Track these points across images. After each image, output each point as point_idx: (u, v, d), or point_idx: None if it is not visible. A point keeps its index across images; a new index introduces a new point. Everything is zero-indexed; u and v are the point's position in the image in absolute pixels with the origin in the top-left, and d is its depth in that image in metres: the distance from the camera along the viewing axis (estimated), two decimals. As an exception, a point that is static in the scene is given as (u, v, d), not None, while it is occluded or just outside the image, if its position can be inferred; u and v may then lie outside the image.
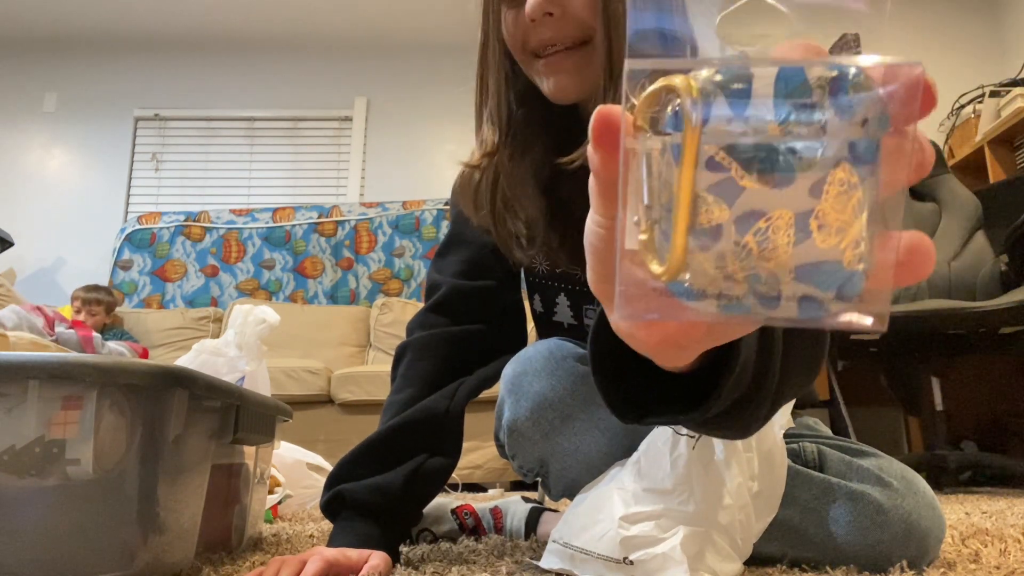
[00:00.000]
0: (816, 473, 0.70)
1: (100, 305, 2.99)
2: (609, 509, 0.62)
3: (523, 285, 0.90)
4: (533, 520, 0.96)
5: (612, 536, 0.61)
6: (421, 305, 2.96)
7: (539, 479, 0.80)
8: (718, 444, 0.63)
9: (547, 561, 0.66)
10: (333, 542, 0.70)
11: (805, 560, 0.69)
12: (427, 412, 0.76)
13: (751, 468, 0.64)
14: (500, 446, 0.80)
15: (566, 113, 0.74)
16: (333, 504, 0.74)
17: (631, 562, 0.60)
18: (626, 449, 0.72)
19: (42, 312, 2.58)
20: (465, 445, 0.87)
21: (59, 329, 2.55)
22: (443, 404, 0.77)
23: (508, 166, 0.74)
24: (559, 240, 0.77)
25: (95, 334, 2.65)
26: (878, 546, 0.66)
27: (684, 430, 0.63)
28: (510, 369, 0.75)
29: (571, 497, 0.76)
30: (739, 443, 0.62)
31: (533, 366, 0.73)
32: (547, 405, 0.71)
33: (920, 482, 0.70)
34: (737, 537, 0.62)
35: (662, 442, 0.64)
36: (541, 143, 0.74)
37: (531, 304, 0.90)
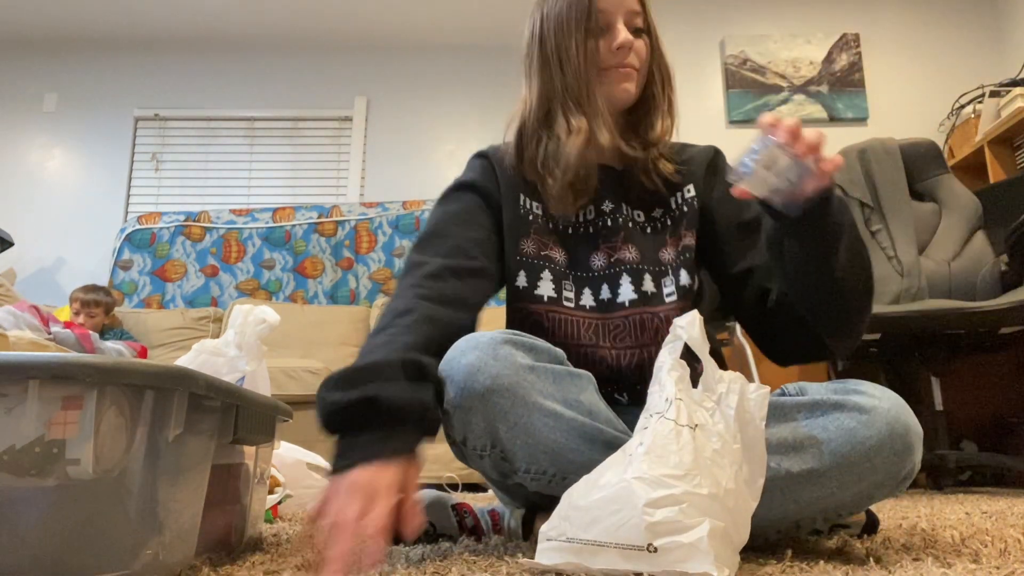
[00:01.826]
0: (804, 397, 0.79)
1: (99, 307, 2.99)
2: (628, 498, 0.63)
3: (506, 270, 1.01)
4: (529, 518, 0.96)
5: (636, 523, 0.61)
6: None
7: (503, 475, 0.82)
8: (714, 436, 0.66)
9: (549, 558, 0.66)
10: (362, 450, 0.69)
11: (800, 472, 0.75)
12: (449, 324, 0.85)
13: (739, 456, 0.67)
14: (453, 443, 0.83)
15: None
16: (362, 406, 0.71)
17: (655, 549, 0.60)
18: (575, 429, 0.78)
19: (37, 312, 2.58)
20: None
21: (55, 328, 2.55)
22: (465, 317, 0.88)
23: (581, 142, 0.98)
24: (572, 197, 0.99)
25: (93, 334, 2.64)
26: (866, 442, 0.73)
27: (684, 419, 0.66)
28: (441, 364, 0.81)
29: (543, 484, 0.80)
30: (727, 435, 0.67)
31: (458, 348, 0.80)
32: (475, 370, 0.77)
33: (892, 392, 0.77)
34: (739, 521, 0.65)
35: (666, 434, 0.66)
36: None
37: (514, 282, 0.98)
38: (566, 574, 0.64)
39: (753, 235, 0.99)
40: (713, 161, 1.06)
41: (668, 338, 0.73)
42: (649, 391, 0.73)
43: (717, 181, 1.04)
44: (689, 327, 0.71)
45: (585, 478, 0.69)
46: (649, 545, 0.61)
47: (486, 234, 0.98)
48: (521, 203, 1.00)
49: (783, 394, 0.82)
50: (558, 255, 1.00)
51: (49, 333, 2.49)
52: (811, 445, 0.75)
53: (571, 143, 0.97)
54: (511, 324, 0.98)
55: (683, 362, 0.72)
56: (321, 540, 0.63)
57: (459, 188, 1.02)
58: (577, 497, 0.67)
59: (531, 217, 1.00)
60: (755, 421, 0.69)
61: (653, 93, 1.02)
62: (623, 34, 0.97)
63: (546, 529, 0.68)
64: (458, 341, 0.82)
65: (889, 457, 0.73)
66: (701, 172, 1.04)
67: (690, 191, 1.02)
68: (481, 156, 1.06)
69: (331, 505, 0.65)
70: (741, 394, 0.69)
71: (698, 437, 0.66)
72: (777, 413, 0.79)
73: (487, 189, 1.01)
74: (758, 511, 0.74)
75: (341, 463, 0.69)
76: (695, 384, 0.71)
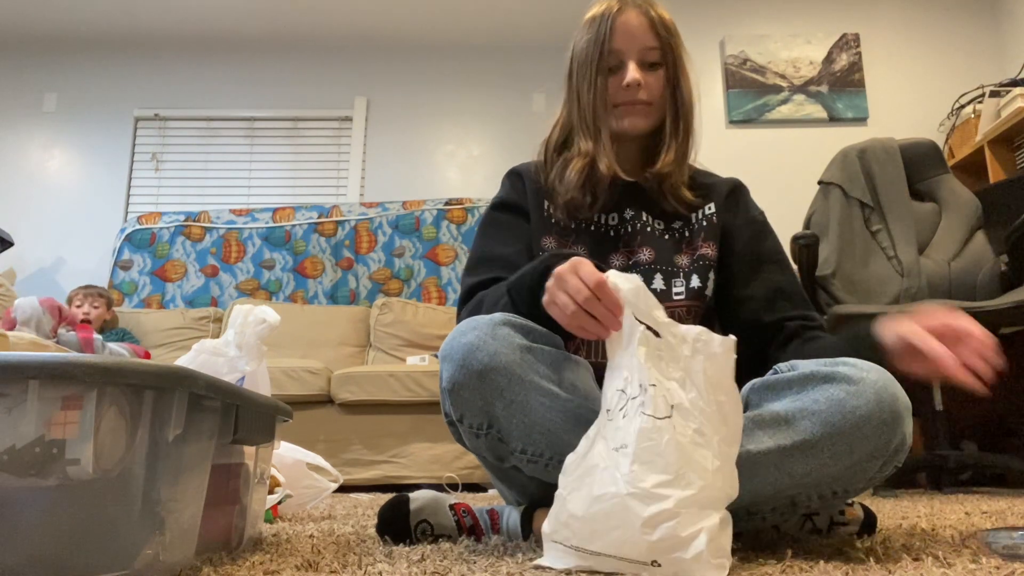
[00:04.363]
0: (794, 372, 0.81)
1: (102, 298, 3.00)
2: (624, 516, 0.63)
3: None
4: (528, 517, 0.96)
5: (636, 541, 0.63)
6: (421, 305, 3.01)
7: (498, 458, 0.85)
8: (691, 413, 0.67)
9: (562, 561, 0.66)
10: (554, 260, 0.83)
11: (793, 444, 0.76)
12: None
13: (717, 419, 0.68)
14: (451, 424, 0.88)
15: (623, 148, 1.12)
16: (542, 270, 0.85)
17: (659, 564, 0.62)
18: (571, 410, 0.81)
19: (60, 312, 2.59)
20: (464, 447, 0.90)
21: (60, 330, 2.56)
22: None
23: (588, 164, 1.08)
24: (582, 203, 1.09)
25: (96, 336, 2.65)
26: (856, 411, 0.75)
27: (662, 410, 0.67)
28: (442, 345, 0.86)
29: (540, 468, 0.82)
30: (701, 403, 0.67)
31: (458, 330, 0.84)
32: (474, 348, 0.81)
33: (879, 366, 0.79)
34: (729, 488, 0.67)
35: (648, 432, 0.66)
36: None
37: None
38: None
39: (763, 267, 1.08)
40: (735, 190, 1.14)
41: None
42: (617, 358, 0.73)
43: (739, 209, 1.12)
44: (633, 296, 0.71)
45: (575, 475, 0.69)
46: (653, 561, 0.62)
47: (524, 244, 1.08)
48: (545, 208, 1.11)
49: (775, 372, 0.84)
50: (577, 251, 1.06)
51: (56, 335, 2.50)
52: (803, 417, 0.77)
53: (573, 166, 1.08)
54: None
55: (649, 333, 0.71)
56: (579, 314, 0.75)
57: (495, 208, 1.14)
58: (574, 505, 0.67)
59: (553, 220, 1.10)
60: (726, 378, 0.68)
61: (664, 125, 1.09)
62: (631, 74, 1.05)
63: (550, 531, 0.68)
64: (459, 324, 0.86)
65: (879, 426, 0.75)
66: (723, 196, 1.12)
67: (711, 208, 1.10)
68: (511, 173, 1.17)
69: (563, 286, 0.77)
70: (707, 352, 0.68)
71: (677, 424, 0.66)
72: (770, 390, 0.82)
73: (517, 202, 1.13)
74: (753, 489, 0.76)
75: (543, 272, 0.84)
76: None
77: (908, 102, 3.39)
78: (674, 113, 1.09)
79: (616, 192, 1.10)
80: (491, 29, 4.01)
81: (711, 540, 0.62)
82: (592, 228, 1.10)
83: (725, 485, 0.67)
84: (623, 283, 0.73)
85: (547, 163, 1.14)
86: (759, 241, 1.10)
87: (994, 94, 2.90)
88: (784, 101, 3.41)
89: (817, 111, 3.39)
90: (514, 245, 1.08)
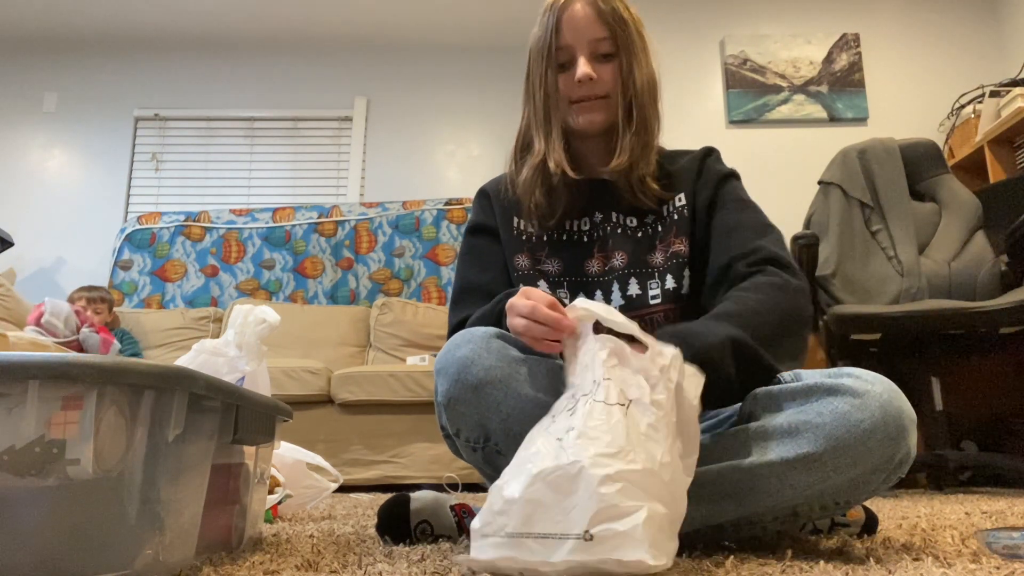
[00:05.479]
0: (798, 383, 0.80)
1: (104, 303, 3.00)
2: (561, 484, 0.62)
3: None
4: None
5: (571, 511, 0.60)
6: (421, 305, 3.02)
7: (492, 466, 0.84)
8: (649, 410, 0.67)
9: (483, 552, 0.64)
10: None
11: (796, 457, 0.76)
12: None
13: (675, 428, 0.67)
14: (447, 437, 0.89)
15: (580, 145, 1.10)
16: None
17: (591, 536, 0.59)
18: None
19: (79, 315, 2.66)
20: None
21: (84, 330, 2.61)
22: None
23: (550, 168, 1.05)
24: (547, 209, 1.06)
25: (115, 343, 2.70)
26: (860, 425, 0.74)
27: (614, 398, 0.67)
28: (437, 359, 0.86)
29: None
30: (667, 405, 0.67)
31: (453, 343, 0.85)
32: (469, 363, 0.81)
33: (884, 377, 0.78)
34: (676, 494, 0.65)
35: (597, 415, 0.66)
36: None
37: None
38: (502, 569, 0.63)
39: (718, 214, 1.02)
40: (701, 165, 1.07)
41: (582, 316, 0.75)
42: (573, 370, 0.74)
43: (703, 179, 1.05)
44: (606, 311, 0.72)
45: (514, 467, 0.68)
46: (585, 532, 0.59)
47: (501, 267, 1.07)
48: (515, 225, 1.09)
49: (779, 382, 0.83)
50: (552, 266, 1.05)
51: (78, 334, 2.57)
52: (806, 430, 0.76)
53: (527, 167, 1.05)
54: None
55: (612, 337, 0.72)
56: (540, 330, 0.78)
57: (469, 233, 1.14)
58: (511, 490, 0.65)
59: (524, 237, 1.08)
60: (691, 400, 0.70)
61: (618, 119, 1.04)
62: (581, 68, 1.01)
63: (480, 525, 0.66)
64: (453, 337, 0.86)
65: (883, 440, 0.74)
66: (691, 178, 1.05)
67: (681, 200, 1.04)
68: (479, 194, 1.15)
69: (517, 311, 0.79)
70: (681, 371, 0.70)
71: (631, 413, 0.66)
72: (772, 401, 0.81)
73: (487, 224, 1.11)
74: (755, 500, 0.76)
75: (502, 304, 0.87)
76: (631, 360, 0.72)
77: (908, 102, 3.39)
78: (627, 104, 1.03)
79: (583, 195, 1.06)
80: (491, 29, 4.01)
81: (651, 521, 0.59)
82: (564, 238, 1.07)
83: (675, 489, 0.64)
84: (595, 307, 0.74)
85: (517, 170, 1.10)
86: (726, 213, 1.02)
87: (994, 94, 2.90)
88: (784, 101, 3.41)
89: (817, 111, 3.39)
90: (491, 271, 1.07)
